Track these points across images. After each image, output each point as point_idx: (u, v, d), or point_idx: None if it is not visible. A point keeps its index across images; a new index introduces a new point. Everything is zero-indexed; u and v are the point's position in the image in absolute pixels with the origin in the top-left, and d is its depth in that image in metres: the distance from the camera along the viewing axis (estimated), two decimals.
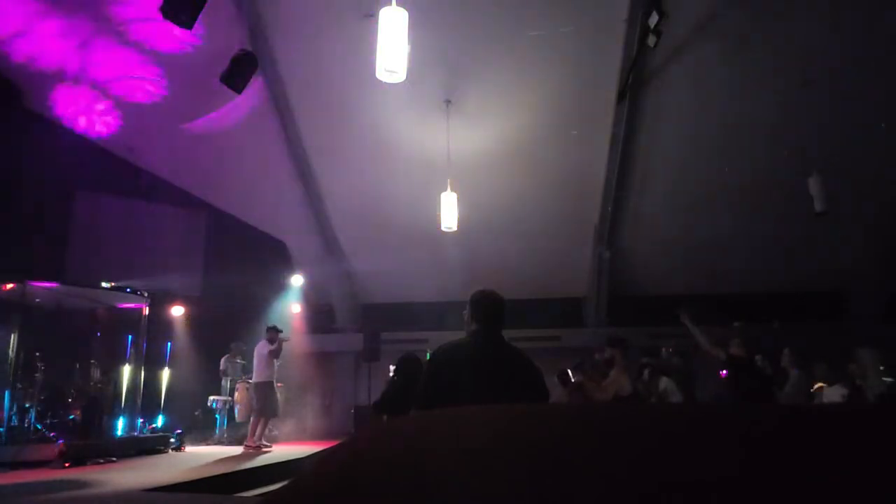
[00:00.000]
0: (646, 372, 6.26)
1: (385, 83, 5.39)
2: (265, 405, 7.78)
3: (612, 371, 4.68)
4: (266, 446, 7.75)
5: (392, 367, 5.54)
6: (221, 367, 9.20)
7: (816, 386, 5.85)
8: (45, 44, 7.22)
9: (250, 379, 9.28)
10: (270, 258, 11.27)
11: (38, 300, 7.10)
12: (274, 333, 8.14)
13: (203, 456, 7.08)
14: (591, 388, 5.05)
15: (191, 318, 9.50)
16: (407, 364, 4.31)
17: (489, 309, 2.55)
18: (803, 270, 10.57)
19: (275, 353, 7.96)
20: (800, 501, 0.47)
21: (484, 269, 9.78)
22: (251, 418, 7.91)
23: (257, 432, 7.73)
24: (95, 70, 7.75)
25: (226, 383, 9.05)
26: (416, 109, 8.74)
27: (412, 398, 3.87)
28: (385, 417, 4.24)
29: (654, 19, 6.75)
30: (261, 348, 8.02)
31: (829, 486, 0.47)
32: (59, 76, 7.66)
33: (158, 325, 8.60)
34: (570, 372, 5.72)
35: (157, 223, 9.40)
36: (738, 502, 0.47)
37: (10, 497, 4.04)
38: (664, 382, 5.82)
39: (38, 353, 6.61)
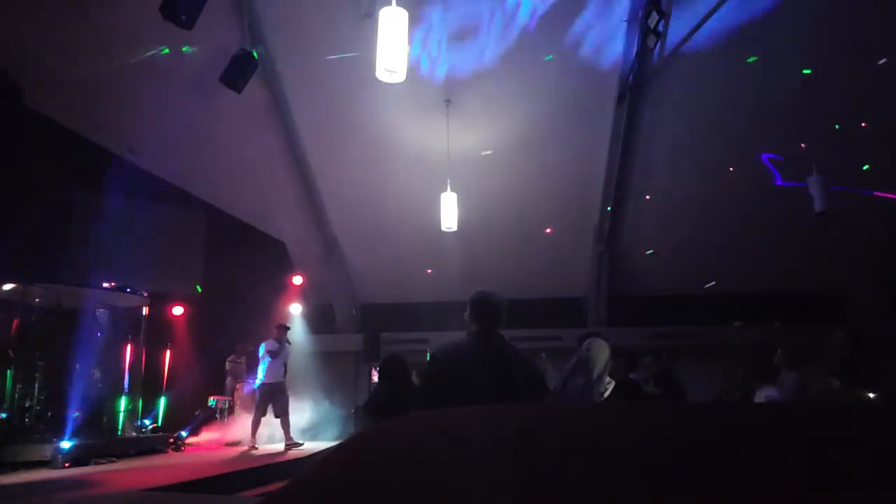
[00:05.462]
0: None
1: (385, 83, 5.40)
2: (279, 405, 7.48)
3: None
4: (298, 444, 7.51)
5: (377, 370, 5.41)
6: (227, 368, 9.19)
7: None
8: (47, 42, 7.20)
9: (251, 380, 9.27)
10: (270, 258, 11.26)
11: (38, 300, 7.09)
12: (282, 331, 7.74)
13: (203, 456, 7.08)
14: None
15: (191, 318, 9.50)
16: (391, 364, 4.26)
17: (487, 309, 2.56)
18: (803, 270, 10.56)
19: (272, 353, 7.55)
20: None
21: (484, 269, 9.77)
22: (280, 421, 7.61)
23: (285, 431, 7.51)
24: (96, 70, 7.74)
25: (230, 383, 9.05)
26: (416, 109, 8.74)
27: (402, 398, 3.86)
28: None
29: (653, 19, 6.77)
30: (265, 347, 7.69)
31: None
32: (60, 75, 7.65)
33: (158, 325, 8.59)
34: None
35: (157, 223, 9.40)
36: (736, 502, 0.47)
37: (11, 497, 4.04)
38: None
39: (37, 353, 6.59)
